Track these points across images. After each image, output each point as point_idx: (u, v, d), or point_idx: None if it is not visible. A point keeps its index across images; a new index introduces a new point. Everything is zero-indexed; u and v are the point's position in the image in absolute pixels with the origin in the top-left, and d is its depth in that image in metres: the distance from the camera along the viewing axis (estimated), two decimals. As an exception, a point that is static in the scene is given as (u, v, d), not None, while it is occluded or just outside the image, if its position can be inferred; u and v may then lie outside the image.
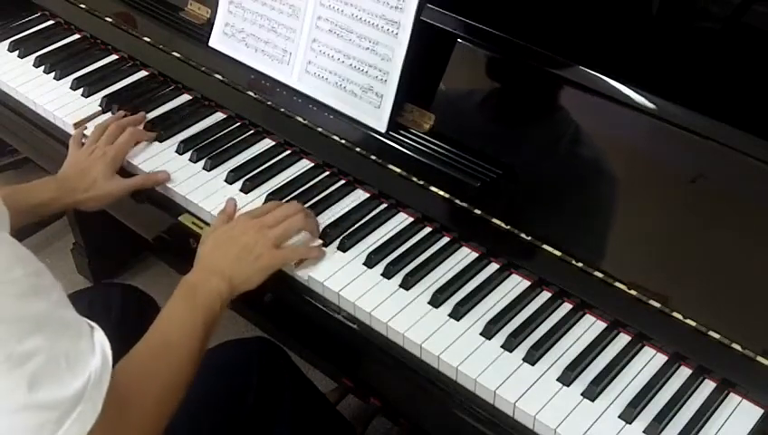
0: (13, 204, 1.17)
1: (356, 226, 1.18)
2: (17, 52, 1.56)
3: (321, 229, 1.17)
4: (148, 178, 1.29)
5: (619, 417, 0.95)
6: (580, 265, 1.07)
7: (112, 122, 1.35)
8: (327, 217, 1.20)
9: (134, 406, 0.87)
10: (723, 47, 1.17)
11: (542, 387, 0.98)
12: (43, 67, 1.52)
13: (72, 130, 1.39)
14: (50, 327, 0.77)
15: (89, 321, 0.83)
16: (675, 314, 1.00)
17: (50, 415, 0.76)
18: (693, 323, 0.99)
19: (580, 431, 0.93)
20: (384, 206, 1.22)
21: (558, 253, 1.08)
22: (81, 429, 0.78)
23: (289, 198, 1.23)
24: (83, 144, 1.33)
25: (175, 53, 1.47)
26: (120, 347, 1.21)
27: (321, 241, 1.16)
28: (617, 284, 1.04)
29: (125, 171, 1.32)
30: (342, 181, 1.26)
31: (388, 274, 1.11)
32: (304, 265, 1.13)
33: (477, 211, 1.15)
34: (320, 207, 1.21)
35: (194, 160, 1.31)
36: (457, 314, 1.05)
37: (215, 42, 1.41)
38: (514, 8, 1.23)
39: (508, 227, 1.12)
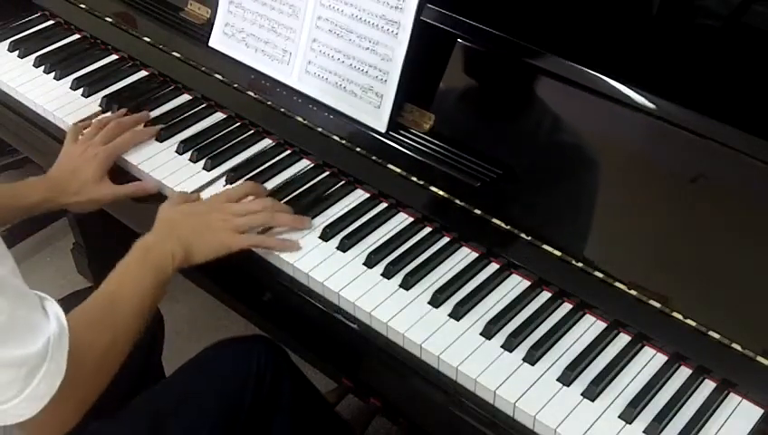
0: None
1: (356, 226, 1.18)
2: (17, 52, 1.56)
3: (322, 230, 1.17)
4: (138, 188, 1.29)
5: (619, 417, 0.95)
6: (580, 265, 1.07)
7: (113, 120, 1.34)
8: (327, 217, 1.20)
9: (83, 361, 0.89)
10: (723, 47, 1.17)
11: (542, 387, 0.98)
12: (43, 67, 1.52)
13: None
14: (9, 292, 0.81)
15: (39, 293, 0.87)
16: (675, 314, 1.00)
17: (17, 372, 0.80)
18: (693, 323, 0.99)
19: (580, 431, 0.93)
20: (384, 206, 1.22)
21: (558, 253, 1.08)
22: (49, 386, 0.83)
23: (289, 198, 1.23)
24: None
25: (175, 53, 1.47)
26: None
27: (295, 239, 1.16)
28: (617, 284, 1.04)
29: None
30: (342, 181, 1.26)
31: (388, 274, 1.11)
32: (300, 261, 1.13)
33: (477, 211, 1.15)
34: (320, 207, 1.21)
35: (194, 160, 1.31)
36: (457, 314, 1.05)
37: (215, 42, 1.41)
38: (514, 8, 1.23)
39: (508, 227, 1.12)
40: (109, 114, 1.40)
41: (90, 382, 0.93)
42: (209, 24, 1.42)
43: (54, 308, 0.87)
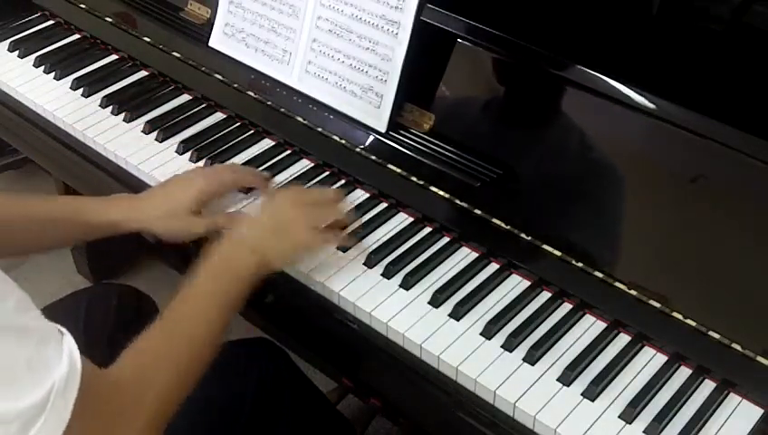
0: (76, 217, 1.12)
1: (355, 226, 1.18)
2: (17, 52, 1.56)
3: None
4: (232, 219, 1.17)
5: (619, 417, 0.95)
6: (580, 265, 1.07)
7: (231, 165, 1.26)
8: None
9: (143, 385, 0.85)
10: (723, 47, 1.17)
11: (542, 387, 0.98)
12: (43, 67, 1.52)
13: (72, 131, 1.39)
14: (6, 335, 0.73)
15: (59, 326, 0.79)
16: (675, 314, 1.00)
17: (7, 428, 0.72)
18: (693, 323, 0.99)
19: (580, 431, 0.93)
20: (384, 206, 1.22)
21: (558, 253, 1.08)
22: None
23: (289, 198, 1.23)
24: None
25: (175, 53, 1.47)
26: (117, 348, 1.21)
27: (339, 252, 1.13)
28: (617, 284, 1.04)
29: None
30: (342, 181, 1.26)
31: (388, 274, 1.11)
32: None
33: (477, 211, 1.15)
34: (320, 207, 1.21)
35: (194, 160, 1.31)
36: (457, 314, 1.05)
37: (215, 42, 1.41)
38: (515, 8, 1.23)
39: (508, 227, 1.12)
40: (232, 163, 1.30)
41: (152, 413, 0.87)
42: (209, 24, 1.42)
43: (69, 343, 0.78)
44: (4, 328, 0.73)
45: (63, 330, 0.79)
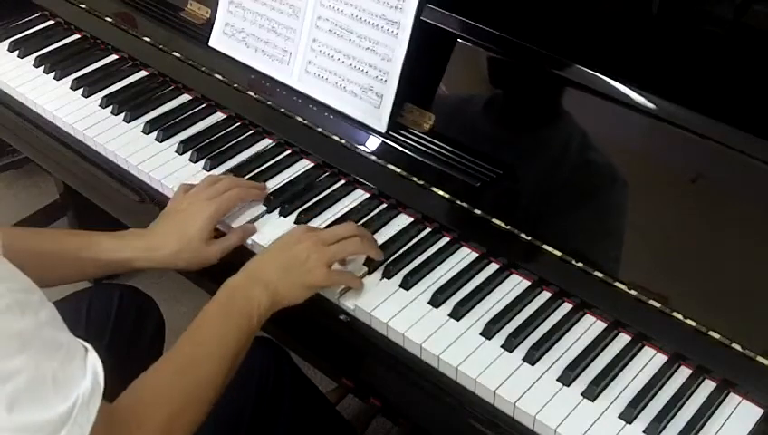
0: (90, 255, 1.11)
1: (356, 226, 1.18)
2: (17, 52, 1.56)
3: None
4: (243, 234, 1.18)
5: (619, 417, 0.95)
6: (580, 265, 1.07)
7: (225, 178, 1.22)
8: (327, 218, 1.20)
9: (148, 420, 0.86)
10: (723, 47, 1.17)
11: (542, 387, 0.98)
12: (43, 67, 1.52)
13: (72, 131, 1.39)
14: (36, 347, 0.73)
15: (83, 342, 0.80)
16: (675, 314, 1.00)
17: None
18: (693, 323, 0.99)
19: (580, 431, 0.93)
20: (384, 206, 1.22)
21: (558, 253, 1.08)
22: None
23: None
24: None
25: (175, 53, 1.47)
26: (118, 348, 1.21)
27: (365, 268, 1.12)
28: (617, 284, 1.04)
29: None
30: (342, 181, 1.26)
31: (388, 274, 1.11)
32: None
33: (477, 211, 1.15)
34: (320, 208, 1.21)
35: (194, 160, 1.31)
36: (457, 314, 1.05)
37: (215, 42, 1.41)
38: (514, 8, 1.23)
39: (508, 227, 1.12)
40: (219, 174, 1.28)
41: None
42: (209, 24, 1.42)
43: (93, 360, 0.79)
44: (35, 340, 0.74)
45: (88, 346, 0.80)
